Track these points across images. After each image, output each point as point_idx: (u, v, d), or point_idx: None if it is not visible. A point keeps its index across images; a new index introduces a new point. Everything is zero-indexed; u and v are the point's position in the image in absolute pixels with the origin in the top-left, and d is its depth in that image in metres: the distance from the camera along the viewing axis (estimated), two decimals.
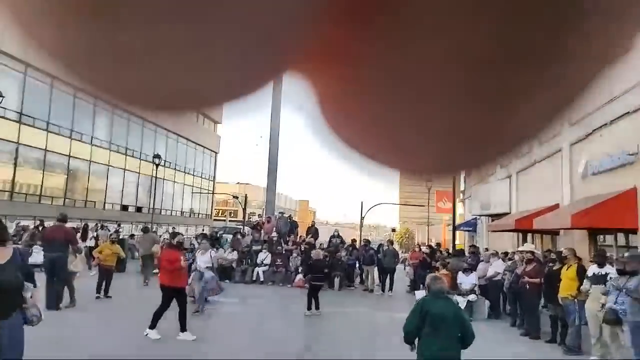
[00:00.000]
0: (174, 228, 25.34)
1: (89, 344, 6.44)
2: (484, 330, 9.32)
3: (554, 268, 8.01)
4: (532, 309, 8.57)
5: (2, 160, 22.55)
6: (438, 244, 19.34)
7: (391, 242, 15.77)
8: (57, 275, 8.52)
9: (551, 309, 8.13)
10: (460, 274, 10.68)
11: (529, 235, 14.59)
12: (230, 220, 45.58)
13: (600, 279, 6.75)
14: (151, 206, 26.18)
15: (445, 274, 10.83)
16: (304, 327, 8.61)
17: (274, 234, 17.26)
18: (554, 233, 13.11)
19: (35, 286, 3.72)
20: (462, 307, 9.97)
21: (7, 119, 21.61)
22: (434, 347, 3.85)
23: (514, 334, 8.85)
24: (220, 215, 52.11)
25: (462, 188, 28.57)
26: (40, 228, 14.04)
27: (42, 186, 24.57)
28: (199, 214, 42.16)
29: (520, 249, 10.15)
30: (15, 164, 22.89)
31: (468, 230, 25.30)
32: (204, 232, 22.91)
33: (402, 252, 32.58)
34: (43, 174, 24.69)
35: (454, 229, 18.40)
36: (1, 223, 3.81)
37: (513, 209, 17.40)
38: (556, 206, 12.24)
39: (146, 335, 6.58)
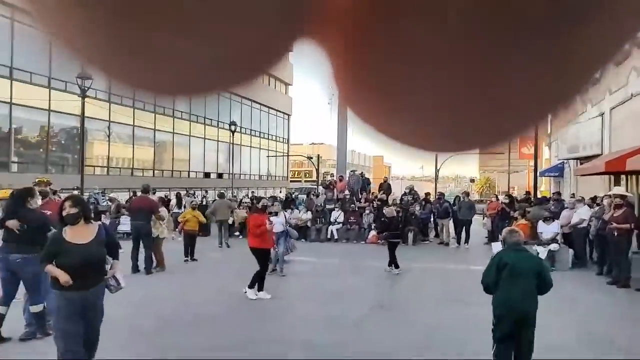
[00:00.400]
0: (252, 192, 26.43)
1: (178, 303, 7.11)
2: (568, 280, 8.85)
3: None
4: (621, 255, 7.94)
5: (97, 138, 24.82)
6: (527, 192, 18.15)
7: (467, 194, 15.25)
8: (143, 241, 9.37)
9: None
10: (541, 223, 10.11)
11: (622, 178, 13.30)
12: (305, 181, 46.69)
13: None
14: (230, 172, 27.45)
15: (524, 224, 10.33)
16: (377, 283, 8.73)
17: (347, 192, 17.44)
18: None
19: (117, 258, 4.11)
20: (543, 257, 9.54)
21: (98, 99, 23.51)
22: (509, 299, 3.88)
23: (600, 283, 8.32)
24: (296, 176, 53.49)
25: (548, 131, 26.54)
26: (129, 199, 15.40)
27: (133, 160, 26.80)
28: (275, 176, 43.60)
29: (610, 192, 9.32)
30: (108, 141, 25.08)
31: (554, 176, 23.64)
32: (280, 194, 23.75)
33: (484, 202, 31.38)
34: (133, 148, 26.83)
35: (536, 175, 17.24)
36: (86, 203, 4.16)
37: (605, 149, 15.87)
38: None
39: (245, 292, 7.04)
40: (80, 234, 3.73)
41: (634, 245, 7.99)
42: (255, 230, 7.10)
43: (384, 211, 11.20)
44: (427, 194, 17.05)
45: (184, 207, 16.95)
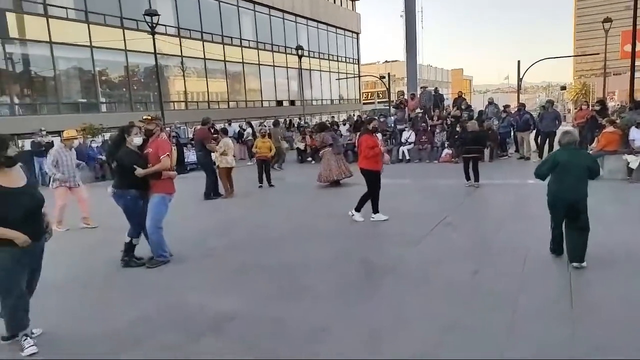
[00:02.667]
0: (332, 117, 26.26)
1: (257, 223, 7.56)
2: None
3: None
4: None
5: (173, 74, 25.81)
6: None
7: (551, 103, 13.90)
8: (204, 170, 10.02)
9: None
10: (633, 129, 9.05)
11: None
12: (378, 102, 45.53)
13: None
14: (302, 98, 27.43)
15: (611, 132, 9.36)
16: (444, 201, 8.55)
17: (419, 110, 16.77)
18: None
19: None
20: (635, 167, 8.70)
21: (168, 34, 24.07)
22: (560, 190, 4.55)
23: None
24: (369, 98, 52.26)
25: None
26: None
27: (207, 92, 27.71)
28: (347, 99, 42.92)
29: None
30: (183, 76, 25.99)
31: None
32: (353, 117, 23.39)
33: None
34: (207, 80, 27.62)
35: (632, 75, 15.09)
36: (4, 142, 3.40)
37: None
38: None
39: (352, 215, 7.20)
40: (15, 179, 3.41)
41: None
42: (368, 152, 7.01)
43: (467, 125, 10.62)
44: (506, 106, 15.88)
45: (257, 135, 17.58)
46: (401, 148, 15.02)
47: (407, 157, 14.84)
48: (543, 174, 4.68)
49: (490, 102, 16.74)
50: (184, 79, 26.06)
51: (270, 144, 12.21)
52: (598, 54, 32.65)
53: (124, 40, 22.02)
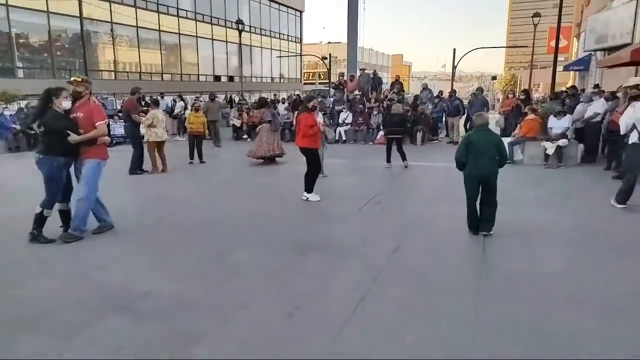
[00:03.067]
0: (275, 95, 25.83)
1: (183, 200, 7.26)
2: (574, 174, 8.67)
3: None
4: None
5: (101, 42, 24.11)
6: (574, 87, 16.99)
7: (481, 90, 14.53)
8: (131, 143, 9.55)
9: None
10: (551, 117, 9.65)
11: None
12: (320, 83, 45.42)
13: None
14: (241, 74, 26.70)
15: (532, 120, 9.92)
16: (375, 181, 8.72)
17: (357, 92, 16.87)
18: None
19: None
20: (550, 154, 9.27)
21: None
22: (475, 165, 5.08)
23: (605, 178, 8.09)
24: (310, 78, 51.99)
25: (579, 20, 24.45)
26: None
27: (140, 63, 26.21)
28: (288, 78, 42.45)
29: (625, 84, 8.70)
30: (113, 44, 24.36)
31: (579, 70, 22.30)
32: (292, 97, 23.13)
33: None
34: (139, 51, 26.10)
35: (554, 69, 16.18)
36: None
37: (636, 38, 14.62)
38: None
39: (306, 199, 6.98)
40: None
41: None
42: (307, 130, 6.88)
43: (392, 108, 10.85)
44: (441, 92, 16.40)
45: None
46: (338, 129, 15.09)
47: (344, 138, 14.94)
48: (463, 157, 5.14)
49: (425, 88, 17.21)
50: (114, 47, 24.47)
51: (204, 119, 11.77)
52: (527, 46, 34.48)
53: (46, 0, 20.19)
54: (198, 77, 30.50)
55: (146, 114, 9.68)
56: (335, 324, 3.21)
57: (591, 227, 5.47)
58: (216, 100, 15.66)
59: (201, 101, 17.72)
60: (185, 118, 13.22)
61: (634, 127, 6.01)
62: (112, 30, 23.88)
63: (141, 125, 9.53)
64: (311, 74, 53.29)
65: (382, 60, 76.45)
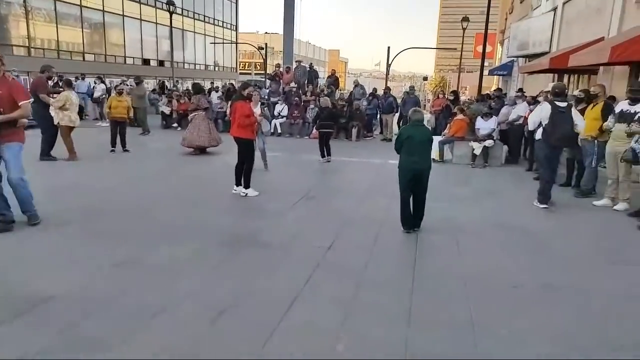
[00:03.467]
0: (212, 83, 24.80)
1: (101, 190, 6.63)
2: (498, 174, 9.07)
3: (578, 108, 7.26)
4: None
5: (13, 13, 21.79)
6: (499, 89, 17.77)
7: (412, 88, 14.88)
8: (40, 126, 8.65)
9: (568, 152, 7.63)
10: (479, 119, 10.05)
11: (565, 76, 13.32)
12: (256, 73, 44.58)
13: (628, 117, 6.03)
14: (171, 59, 25.43)
15: (461, 120, 10.27)
16: (310, 176, 8.59)
17: (293, 84, 16.63)
18: (593, 72, 11.86)
19: None
20: (478, 153, 9.64)
21: None
22: (409, 160, 5.16)
23: (526, 178, 8.56)
24: (246, 67, 50.90)
25: (503, 27, 25.90)
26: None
27: (57, 40, 24.05)
28: (223, 66, 41.22)
29: (545, 89, 9.24)
30: (26, 16, 22.13)
31: (502, 75, 23.67)
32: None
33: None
34: (57, 26, 23.94)
35: (481, 72, 17.04)
36: None
37: (554, 47, 15.70)
38: (601, 39, 10.78)
39: (244, 195, 6.57)
40: None
41: None
42: (244, 120, 6.44)
43: (320, 102, 10.79)
44: (375, 90, 16.59)
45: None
46: (273, 121, 14.79)
47: (279, 131, 14.67)
48: (398, 147, 5.27)
49: (356, 85, 17.20)
50: (27, 20, 22.22)
51: (128, 103, 10.95)
52: (455, 49, 36.09)
53: None
54: (125, 60, 28.60)
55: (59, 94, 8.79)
56: (264, 329, 3.00)
57: (512, 224, 5.69)
58: (142, 84, 14.71)
59: (127, 85, 16.61)
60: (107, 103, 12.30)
61: (540, 125, 6.33)
62: (25, 1, 21.66)
63: (51, 108, 8.63)
64: (247, 63, 52.17)
65: (319, 54, 76.74)
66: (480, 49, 35.63)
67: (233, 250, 4.47)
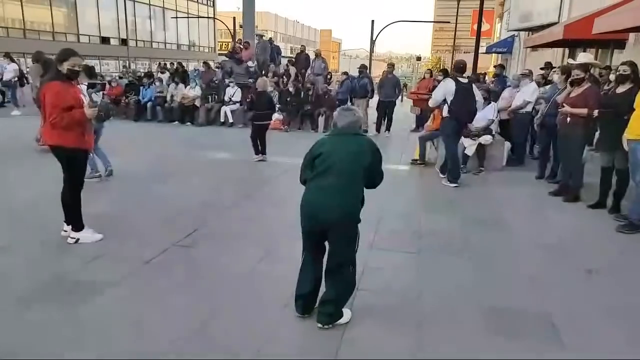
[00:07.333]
0: (172, 64, 22.08)
1: None
2: (498, 186, 6.49)
3: (622, 91, 4.73)
4: (572, 154, 5.53)
5: None
6: (501, 65, 14.84)
7: (392, 66, 12.10)
8: None
9: (603, 158, 5.11)
10: None
11: (578, 52, 10.69)
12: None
13: None
14: (126, 36, 22.49)
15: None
16: (217, 192, 6.01)
17: (252, 63, 13.90)
18: (618, 45, 9.36)
19: None
20: (470, 153, 7.11)
21: None
22: (313, 199, 2.74)
23: (542, 192, 6.00)
24: (226, 48, 47.69)
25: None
26: None
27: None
28: (200, 46, 38.11)
29: (570, 61, 6.64)
30: None
31: (501, 52, 20.99)
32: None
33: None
34: None
35: (477, 50, 14.47)
36: None
37: (563, 16, 13.05)
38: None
39: (75, 241, 3.93)
40: None
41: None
42: (60, 115, 3.67)
43: (256, 84, 8.18)
44: (346, 73, 13.80)
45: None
46: (223, 108, 12.14)
47: (231, 121, 12.02)
48: (309, 178, 2.83)
49: (317, 55, 14.22)
50: None
51: None
52: (449, 22, 33.22)
53: None
54: (78, 38, 25.48)
55: None
56: None
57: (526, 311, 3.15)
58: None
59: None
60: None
61: (444, 101, 6.07)
62: None
63: None
64: (227, 43, 48.90)
65: (308, 34, 73.39)
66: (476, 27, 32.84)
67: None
